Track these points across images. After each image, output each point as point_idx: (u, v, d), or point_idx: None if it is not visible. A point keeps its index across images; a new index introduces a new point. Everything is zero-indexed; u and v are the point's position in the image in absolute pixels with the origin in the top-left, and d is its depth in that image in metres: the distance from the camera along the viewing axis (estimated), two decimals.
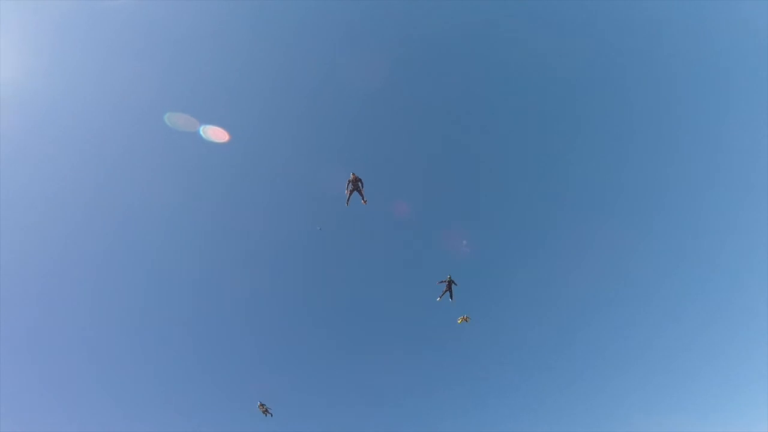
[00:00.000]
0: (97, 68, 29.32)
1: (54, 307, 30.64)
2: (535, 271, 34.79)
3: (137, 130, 31.37)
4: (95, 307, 31.95)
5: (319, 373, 34.54)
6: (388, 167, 34.26)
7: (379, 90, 32.75)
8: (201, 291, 34.03)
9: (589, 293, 34.35)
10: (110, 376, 31.64)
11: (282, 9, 31.50)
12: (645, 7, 31.21)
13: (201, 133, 33.01)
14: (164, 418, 31.60)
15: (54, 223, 30.58)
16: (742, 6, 30.06)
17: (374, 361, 34.97)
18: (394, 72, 32.88)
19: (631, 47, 32.27)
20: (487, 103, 34.28)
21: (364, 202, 22.01)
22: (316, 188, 32.54)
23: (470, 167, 34.95)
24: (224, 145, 32.47)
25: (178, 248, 33.72)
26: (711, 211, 32.82)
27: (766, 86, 29.89)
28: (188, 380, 33.29)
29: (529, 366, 34.33)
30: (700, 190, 32.83)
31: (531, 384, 34.22)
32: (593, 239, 33.17)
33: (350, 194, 21.91)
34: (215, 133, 33.28)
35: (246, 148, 32.96)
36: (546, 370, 34.04)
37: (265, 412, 23.85)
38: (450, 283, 21.88)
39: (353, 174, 21.76)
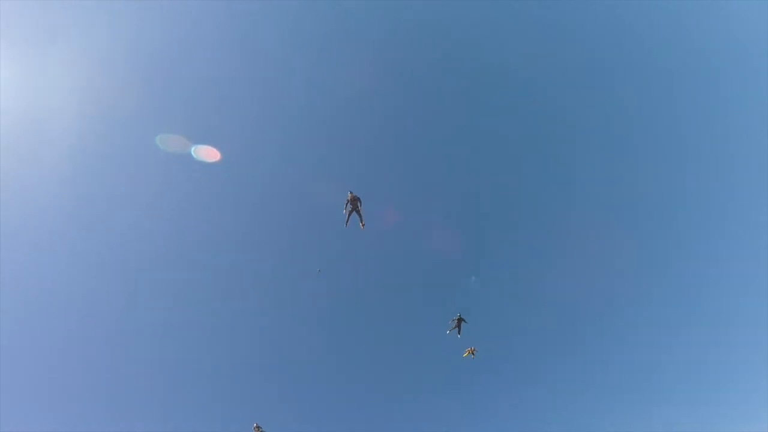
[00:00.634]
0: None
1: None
2: (536, 272, 34.37)
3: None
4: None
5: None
6: (385, 174, 33.85)
7: (372, 95, 32.54)
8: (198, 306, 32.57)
9: (589, 293, 33.79)
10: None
11: (271, 22, 30.95)
12: (645, 7, 31.27)
13: (193, 153, 32.03)
14: None
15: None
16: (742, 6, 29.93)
17: (374, 364, 33.86)
18: (389, 76, 32.77)
19: (631, 47, 32.40)
20: (485, 107, 34.10)
21: (363, 226, 20.47)
22: (311, 200, 31.78)
23: (470, 169, 34.40)
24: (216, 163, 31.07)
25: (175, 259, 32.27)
26: (710, 211, 32.85)
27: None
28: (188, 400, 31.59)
29: (530, 366, 33.74)
30: (700, 189, 32.66)
31: (531, 384, 33.50)
32: (594, 240, 32.71)
33: (349, 215, 20.42)
34: (207, 153, 32.19)
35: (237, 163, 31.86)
36: (546, 370, 33.51)
37: None
38: (460, 320, 23.22)
39: (351, 193, 20.23)
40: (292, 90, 31.92)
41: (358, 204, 20.24)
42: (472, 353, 23.89)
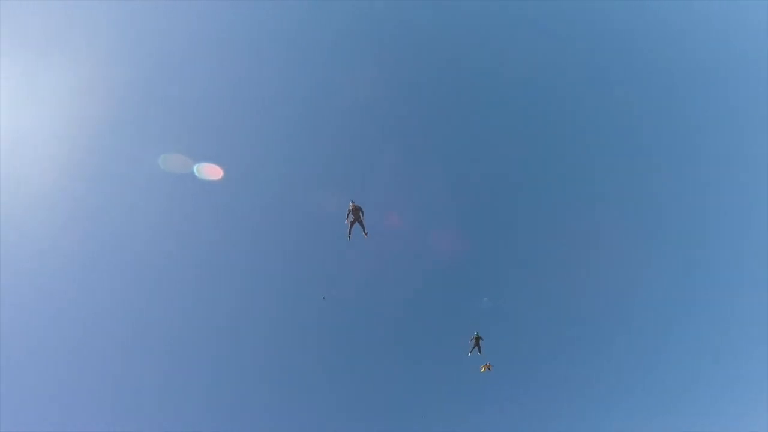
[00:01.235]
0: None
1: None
2: (535, 272, 33.86)
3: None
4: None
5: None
6: (387, 181, 32.98)
7: (371, 100, 32.15)
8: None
9: (590, 293, 33.36)
10: None
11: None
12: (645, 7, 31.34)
13: (196, 172, 31.97)
14: None
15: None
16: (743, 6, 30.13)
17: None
18: (387, 83, 32.70)
19: (630, 47, 32.44)
20: (487, 110, 33.72)
21: (366, 235, 19.84)
22: (316, 210, 31.18)
23: (474, 172, 33.93)
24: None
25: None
26: (711, 211, 32.59)
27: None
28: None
29: (530, 366, 33.08)
30: (701, 189, 32.63)
31: (530, 384, 32.86)
32: (593, 240, 32.48)
33: (351, 226, 19.78)
34: (210, 171, 32.11)
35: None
36: (546, 370, 32.98)
37: None
38: (477, 339, 23.38)
39: (352, 203, 19.59)
40: (288, 97, 31.83)
41: (360, 214, 19.65)
42: (488, 368, 24.03)
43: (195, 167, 31.72)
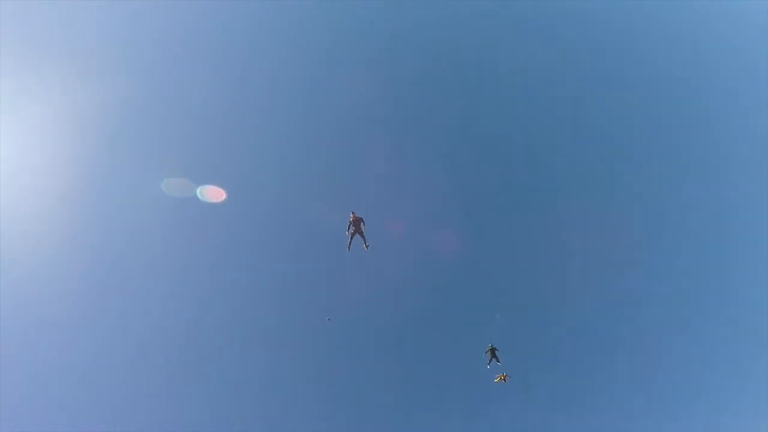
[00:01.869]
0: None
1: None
2: (536, 273, 33.22)
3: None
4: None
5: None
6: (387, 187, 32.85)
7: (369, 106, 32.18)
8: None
9: (589, 294, 32.81)
10: None
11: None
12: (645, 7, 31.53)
13: (198, 195, 32.06)
14: None
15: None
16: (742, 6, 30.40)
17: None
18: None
19: (629, 46, 32.41)
20: (487, 113, 33.50)
21: (366, 246, 19.23)
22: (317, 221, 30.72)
23: (473, 174, 33.57)
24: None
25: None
26: (710, 211, 32.15)
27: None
28: None
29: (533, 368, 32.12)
30: (702, 190, 32.20)
31: (532, 386, 31.78)
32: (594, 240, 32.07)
33: (352, 238, 19.22)
34: (213, 194, 32.18)
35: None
36: (547, 371, 32.37)
37: None
38: (493, 350, 23.11)
39: (353, 214, 19.10)
40: (286, 104, 32.08)
41: (361, 225, 19.16)
42: (504, 379, 23.34)
43: (198, 190, 31.97)
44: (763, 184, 30.53)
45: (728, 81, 31.41)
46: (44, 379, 27.86)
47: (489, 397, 30.35)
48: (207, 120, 30.74)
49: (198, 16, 30.20)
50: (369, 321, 32.21)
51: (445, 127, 33.29)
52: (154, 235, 30.76)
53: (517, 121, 33.45)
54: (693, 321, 31.97)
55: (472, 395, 30.78)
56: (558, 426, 30.87)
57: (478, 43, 32.37)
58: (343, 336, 31.80)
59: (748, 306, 30.94)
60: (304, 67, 31.99)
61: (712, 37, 31.54)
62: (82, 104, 28.04)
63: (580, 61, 32.63)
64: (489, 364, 23.05)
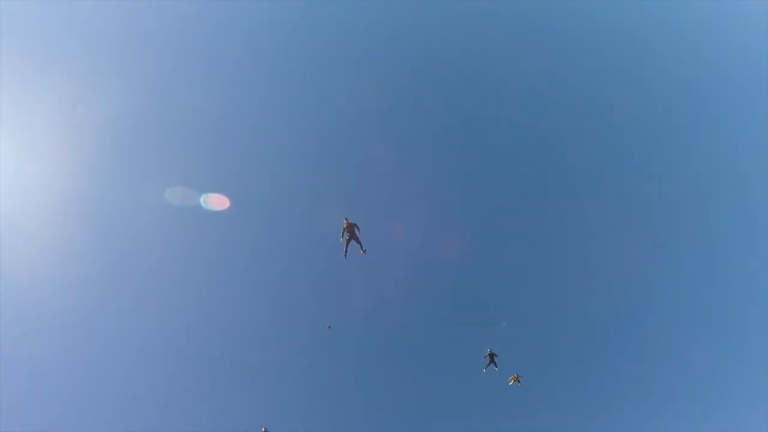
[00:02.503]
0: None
1: None
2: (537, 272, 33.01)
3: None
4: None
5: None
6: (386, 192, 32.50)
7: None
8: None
9: (590, 293, 32.46)
10: None
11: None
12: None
13: (202, 203, 32.00)
14: None
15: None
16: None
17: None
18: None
19: (630, 46, 31.80)
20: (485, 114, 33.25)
21: (363, 251, 18.82)
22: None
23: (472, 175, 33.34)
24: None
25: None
26: (712, 211, 31.58)
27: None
28: None
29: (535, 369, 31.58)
30: (704, 190, 31.72)
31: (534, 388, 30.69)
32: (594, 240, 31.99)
33: (347, 244, 18.71)
34: (216, 201, 32.05)
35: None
36: (548, 372, 32.07)
37: None
38: (492, 355, 22.94)
39: (346, 220, 18.53)
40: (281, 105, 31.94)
41: (356, 230, 18.57)
42: (518, 380, 23.01)
43: (201, 198, 31.91)
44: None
45: (729, 81, 31.07)
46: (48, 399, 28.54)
47: (489, 400, 30.26)
48: (207, 126, 30.87)
49: (196, 22, 30.38)
50: (368, 324, 32.22)
51: (445, 127, 33.22)
52: (159, 243, 30.92)
53: (516, 121, 33.23)
54: (699, 322, 31.65)
55: (472, 397, 30.65)
56: (558, 426, 30.79)
57: (477, 42, 32.11)
58: (343, 341, 31.77)
59: (749, 306, 30.43)
60: (303, 68, 32.07)
61: (712, 37, 31.22)
62: (83, 113, 28.49)
63: (581, 60, 32.35)
64: (486, 369, 23.07)
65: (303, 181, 32.13)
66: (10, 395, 27.03)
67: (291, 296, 32.14)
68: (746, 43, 30.17)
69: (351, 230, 18.45)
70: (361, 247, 18.78)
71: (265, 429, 23.17)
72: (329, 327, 23.76)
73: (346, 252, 18.67)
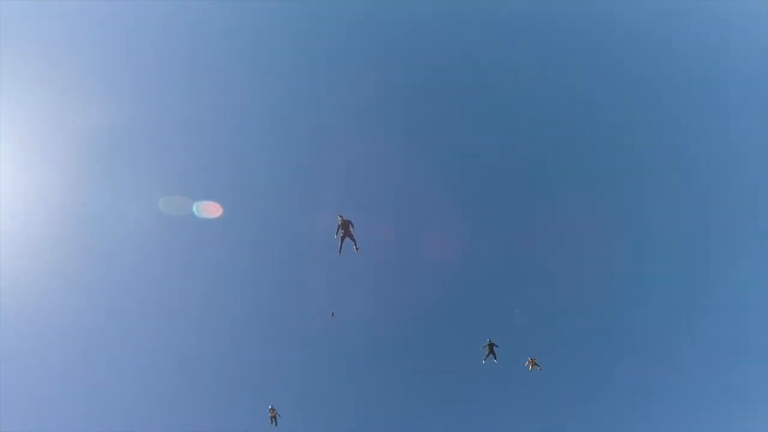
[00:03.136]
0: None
1: None
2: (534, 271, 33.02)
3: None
4: None
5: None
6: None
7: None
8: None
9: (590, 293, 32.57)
10: None
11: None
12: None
13: (195, 211, 32.15)
14: None
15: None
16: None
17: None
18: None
19: (629, 46, 31.96)
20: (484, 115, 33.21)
21: (357, 249, 19.15)
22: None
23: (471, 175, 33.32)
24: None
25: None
26: (713, 211, 31.65)
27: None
28: None
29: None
30: (705, 189, 31.84)
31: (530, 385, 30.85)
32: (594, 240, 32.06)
33: (342, 241, 19.08)
34: (210, 209, 32.25)
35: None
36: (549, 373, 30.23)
37: (273, 418, 22.91)
38: (491, 345, 22.64)
39: (341, 217, 18.93)
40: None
41: (350, 227, 18.98)
42: (536, 364, 22.73)
43: (194, 206, 32.08)
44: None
45: (728, 81, 31.24)
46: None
47: (489, 401, 30.29)
48: (199, 130, 31.13)
49: (195, 27, 30.59)
50: (366, 324, 32.07)
51: (444, 126, 33.30)
52: (153, 249, 30.88)
53: (516, 121, 33.38)
54: (699, 322, 31.59)
55: (471, 398, 30.71)
56: (558, 427, 30.70)
57: (476, 42, 32.26)
58: (340, 340, 31.69)
59: (749, 306, 30.54)
60: (301, 69, 32.17)
61: (712, 37, 31.29)
62: (75, 122, 28.51)
63: (579, 61, 32.44)
64: (485, 360, 22.79)
65: (296, 184, 32.50)
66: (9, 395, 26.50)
67: (288, 297, 32.40)
68: (746, 42, 30.37)
69: (346, 227, 18.85)
70: (355, 244, 19.17)
71: (272, 407, 22.80)
72: (333, 315, 23.50)
73: (340, 248, 19.01)
